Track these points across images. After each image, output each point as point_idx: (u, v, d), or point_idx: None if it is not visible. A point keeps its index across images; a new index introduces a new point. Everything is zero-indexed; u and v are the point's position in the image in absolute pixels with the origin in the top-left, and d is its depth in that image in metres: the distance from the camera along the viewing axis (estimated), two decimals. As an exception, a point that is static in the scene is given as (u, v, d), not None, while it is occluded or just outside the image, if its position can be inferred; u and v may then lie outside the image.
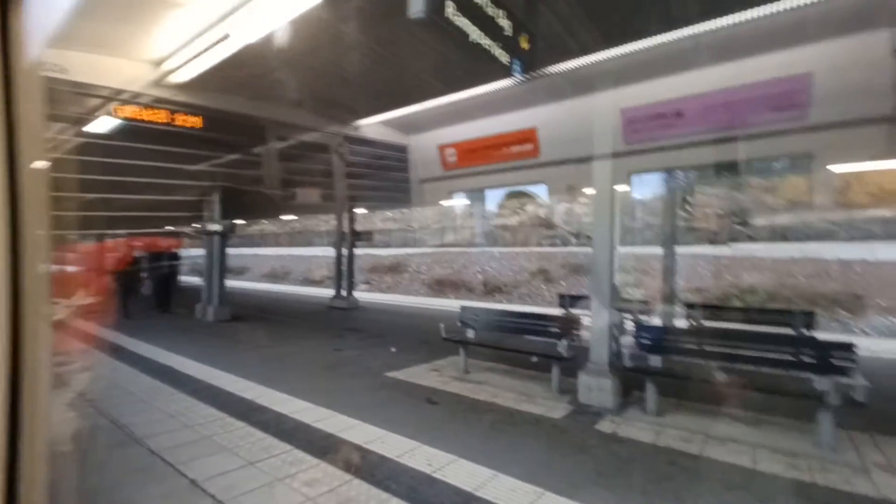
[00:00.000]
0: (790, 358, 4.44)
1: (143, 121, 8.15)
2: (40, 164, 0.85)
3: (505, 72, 3.77)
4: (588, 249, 20.81)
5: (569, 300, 10.29)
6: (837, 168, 8.06)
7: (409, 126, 12.13)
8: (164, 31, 6.76)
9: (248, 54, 6.78)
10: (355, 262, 15.76)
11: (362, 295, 17.76)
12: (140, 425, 4.54)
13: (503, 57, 3.70)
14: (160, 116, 8.31)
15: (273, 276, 30.77)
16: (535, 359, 6.33)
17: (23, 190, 0.78)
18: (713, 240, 20.52)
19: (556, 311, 9.55)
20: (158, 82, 8.03)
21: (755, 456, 3.94)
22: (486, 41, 3.52)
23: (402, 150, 12.96)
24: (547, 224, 26.51)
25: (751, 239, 19.84)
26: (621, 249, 17.68)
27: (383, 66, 7.91)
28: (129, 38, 7.05)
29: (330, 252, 29.63)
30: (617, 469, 3.81)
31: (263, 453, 3.92)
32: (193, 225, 20.89)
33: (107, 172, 9.94)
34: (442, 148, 12.30)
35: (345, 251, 15.98)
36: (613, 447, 4.23)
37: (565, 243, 24.89)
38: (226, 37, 6.13)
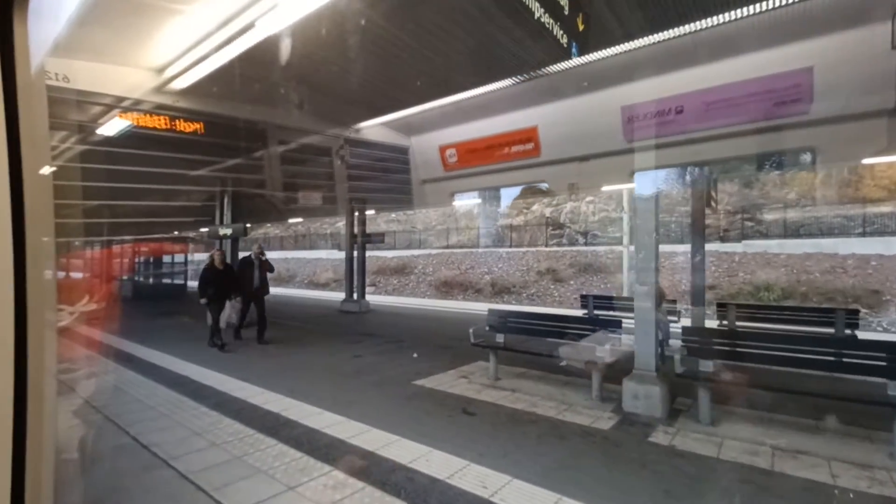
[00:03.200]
0: (856, 361, 3.99)
1: (145, 127, 7.80)
2: (44, 172, 0.83)
3: (563, 53, 3.34)
4: (595, 248, 21.02)
5: (592, 301, 9.62)
6: (846, 162, 7.78)
7: (410, 127, 11.65)
8: (166, 38, 6.40)
9: (248, 59, 6.40)
10: (356, 264, 15.14)
11: (370, 297, 17.06)
12: (166, 445, 4.04)
13: (563, 38, 3.24)
14: (162, 122, 7.95)
15: (278, 280, 29.71)
16: (564, 363, 5.80)
17: (27, 197, 0.75)
18: (723, 236, 19.68)
19: (578, 313, 9.12)
20: (160, 89, 7.65)
21: (832, 470, 3.49)
22: (548, 19, 3.05)
23: (403, 151, 12.46)
24: (554, 223, 25.80)
25: (762, 235, 19.09)
26: (632, 248, 17.32)
27: (386, 67, 7.51)
28: (131, 45, 6.69)
29: (335, 255, 29.38)
30: (687, 489, 3.34)
31: (302, 476, 3.44)
32: (202, 229, 20.19)
33: (110, 179, 9.49)
34: (443, 149, 11.83)
35: (355, 254, 15.08)
36: (676, 462, 3.75)
37: (572, 242, 24.21)
38: (251, 26, 5.60)
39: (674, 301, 8.67)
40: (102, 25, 5.97)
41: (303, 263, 31.27)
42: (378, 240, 16.10)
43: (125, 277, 21.08)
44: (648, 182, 5.25)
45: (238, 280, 8.71)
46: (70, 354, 7.66)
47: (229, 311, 8.31)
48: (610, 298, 10.40)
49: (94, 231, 18.08)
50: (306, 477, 3.41)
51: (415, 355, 7.95)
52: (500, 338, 6.41)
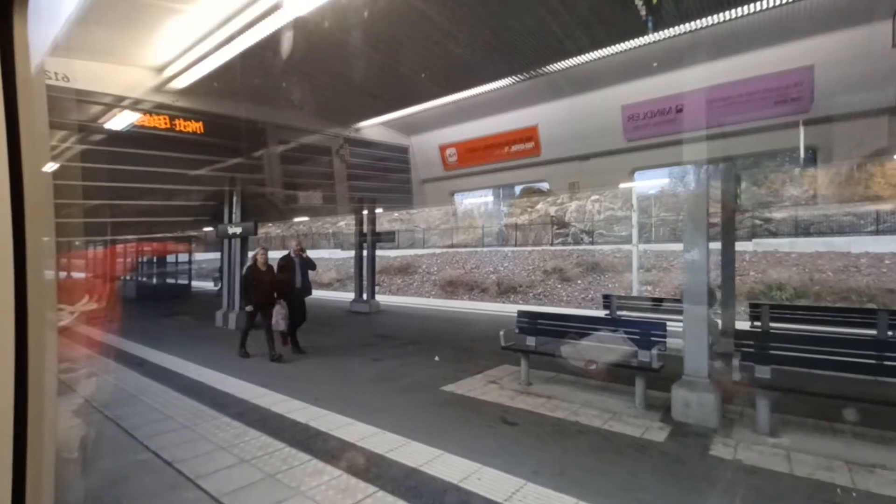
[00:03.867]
0: None
1: (145, 127, 7.81)
2: (44, 171, 0.82)
3: (640, 29, 3.27)
4: (601, 247, 20.81)
5: (615, 302, 9.39)
6: (846, 161, 7.75)
7: (410, 127, 11.65)
8: (165, 37, 6.41)
9: (247, 58, 6.43)
10: (365, 263, 14.98)
11: (377, 297, 17.16)
12: (191, 462, 3.77)
13: (643, 9, 3.20)
14: (162, 122, 7.95)
15: None
16: (593, 366, 5.61)
17: (27, 197, 0.75)
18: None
19: (599, 314, 9.01)
20: (160, 88, 7.66)
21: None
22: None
23: (403, 150, 12.45)
24: (559, 222, 25.63)
25: (771, 234, 18.76)
26: (642, 247, 17.05)
27: (388, 65, 7.49)
28: (131, 44, 6.70)
29: (337, 254, 29.25)
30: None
31: (346, 498, 3.18)
32: (205, 228, 19.94)
33: (110, 179, 9.47)
34: (443, 148, 11.82)
35: (364, 253, 14.80)
36: (752, 482, 3.49)
37: (577, 241, 24.01)
38: (251, 25, 5.62)
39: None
40: (102, 25, 5.97)
41: None
42: (388, 238, 15.87)
43: (128, 277, 20.82)
44: (700, 174, 5.10)
45: (283, 282, 8.04)
46: (77, 357, 7.62)
47: (275, 316, 7.85)
48: (632, 299, 10.30)
49: (96, 231, 18.04)
50: (350, 499, 3.19)
51: (436, 358, 7.63)
52: (530, 341, 6.17)
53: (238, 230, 11.22)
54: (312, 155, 11.33)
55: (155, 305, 15.97)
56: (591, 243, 22.90)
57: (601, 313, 9.40)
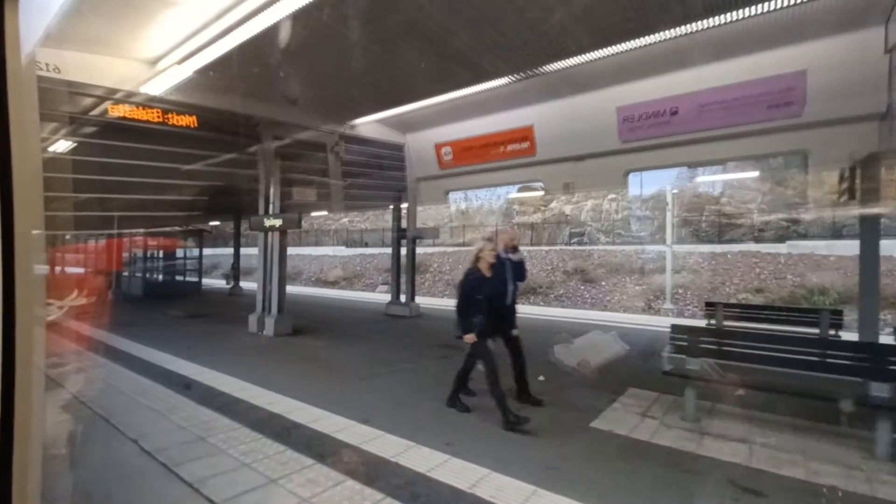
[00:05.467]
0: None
1: (137, 120, 7.69)
2: (34, 163, 0.81)
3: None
4: (623, 248, 20.08)
5: (722, 311, 8.33)
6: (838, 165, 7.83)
7: (406, 125, 11.62)
8: (160, 29, 6.31)
9: (242, 52, 6.36)
10: (371, 261, 14.51)
11: (385, 297, 15.92)
12: None
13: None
14: (154, 115, 7.85)
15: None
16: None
17: (16, 189, 0.74)
18: (757, 237, 18.73)
19: (700, 324, 8.09)
20: (153, 81, 7.51)
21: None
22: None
23: (398, 148, 12.42)
24: (574, 222, 25.25)
25: (801, 235, 18.05)
26: (676, 248, 16.35)
27: (384, 63, 7.46)
28: (124, 36, 6.59)
29: (342, 252, 28.99)
30: None
31: None
32: (212, 223, 18.89)
33: (101, 172, 9.38)
34: (438, 146, 11.81)
35: (403, 250, 13.70)
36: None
37: (594, 241, 23.44)
38: (246, 19, 5.60)
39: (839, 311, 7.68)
40: (95, 16, 5.88)
41: (308, 260, 30.11)
42: (431, 235, 14.92)
43: (135, 274, 19.54)
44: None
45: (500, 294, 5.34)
46: (91, 367, 6.97)
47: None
48: (746, 307, 9.61)
49: (93, 224, 17.78)
50: None
51: (541, 378, 6.25)
52: (693, 363, 4.86)
53: (278, 222, 10.02)
54: (307, 151, 11.27)
55: (167, 305, 14.81)
56: (612, 243, 22.33)
57: (702, 323, 8.50)
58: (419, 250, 24.81)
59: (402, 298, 13.64)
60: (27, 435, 0.76)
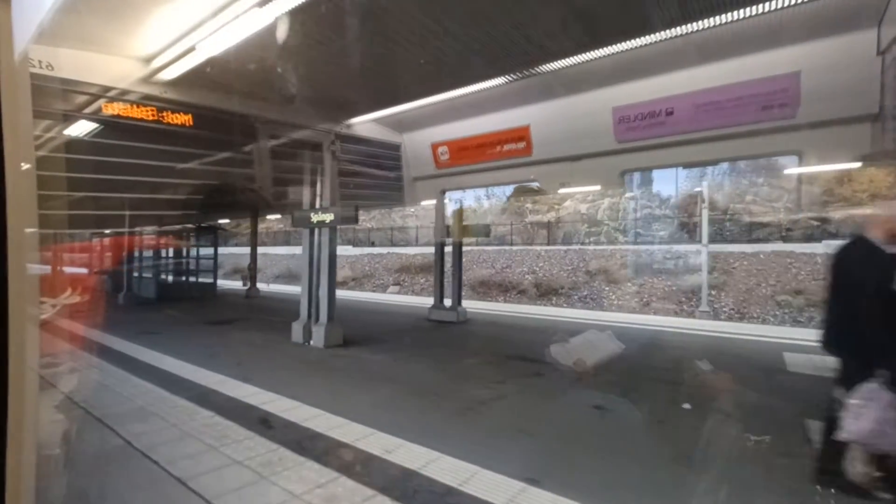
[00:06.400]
0: None
1: (132, 118, 7.61)
2: (27, 161, 0.80)
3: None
4: (647, 247, 19.47)
5: None
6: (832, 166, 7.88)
7: (402, 124, 11.61)
8: (155, 26, 6.26)
9: (238, 50, 6.31)
10: (380, 261, 13.78)
11: (397, 298, 15.07)
12: None
13: None
14: (149, 114, 7.76)
15: (288, 277, 27.57)
16: None
17: (9, 187, 0.73)
18: (785, 236, 18.15)
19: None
20: (148, 79, 7.53)
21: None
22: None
23: (395, 148, 12.40)
24: (590, 221, 24.84)
25: (832, 235, 17.33)
26: (695, 247, 15.80)
27: (380, 62, 7.45)
28: (119, 34, 6.53)
29: (348, 251, 28.41)
30: None
31: None
32: (221, 221, 17.67)
33: (96, 171, 9.30)
34: (435, 146, 11.81)
35: (447, 249, 12.63)
36: None
37: (611, 241, 22.76)
38: (241, 16, 5.49)
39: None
40: (89, 12, 5.83)
41: None
42: (484, 232, 13.84)
43: (146, 275, 18.11)
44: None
45: None
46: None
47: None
48: None
49: (101, 223, 17.48)
50: None
51: (686, 406, 5.41)
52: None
53: (328, 217, 8.68)
54: (303, 150, 11.23)
55: (185, 309, 13.71)
56: (634, 242, 21.79)
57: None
58: (429, 249, 23.72)
59: (446, 302, 12.37)
60: (20, 435, 0.75)
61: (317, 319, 8.93)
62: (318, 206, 9.64)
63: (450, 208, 13.33)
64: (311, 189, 10.22)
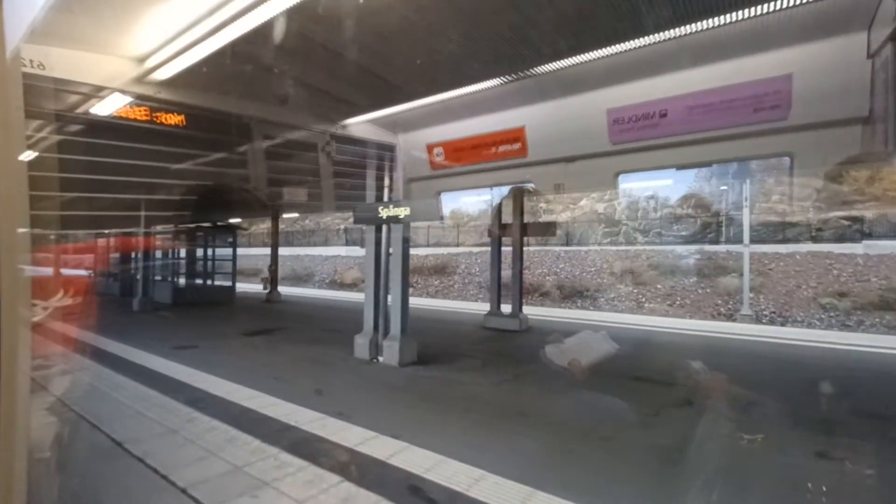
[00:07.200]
0: None
1: (124, 118, 7.59)
2: (19, 161, 0.80)
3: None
4: (676, 248, 18.74)
5: None
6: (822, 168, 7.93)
7: (397, 125, 11.58)
8: (148, 25, 6.21)
9: (233, 50, 6.30)
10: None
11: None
12: None
13: None
14: (142, 114, 7.74)
15: (294, 279, 26.80)
16: None
17: (1, 188, 0.72)
18: (815, 236, 17.64)
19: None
20: (141, 79, 7.44)
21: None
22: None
23: (390, 148, 12.36)
24: (608, 220, 24.33)
25: (864, 235, 16.81)
26: (729, 247, 15.24)
27: (377, 61, 7.43)
28: (112, 33, 6.49)
29: (356, 252, 27.66)
30: None
31: None
32: (233, 220, 16.68)
33: (88, 171, 9.21)
34: (430, 147, 11.78)
35: (506, 249, 11.54)
36: None
37: (630, 241, 22.26)
38: (237, 16, 5.44)
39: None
40: (81, 11, 5.78)
41: (318, 261, 28.48)
42: (549, 232, 12.98)
43: (157, 277, 16.85)
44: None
45: None
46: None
47: None
48: None
49: (102, 223, 17.05)
50: None
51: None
52: None
53: (403, 212, 7.50)
54: (298, 151, 11.19)
55: (208, 316, 12.42)
56: (660, 242, 21.16)
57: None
58: (441, 250, 23.57)
59: (503, 308, 11.18)
60: (11, 437, 0.73)
61: (385, 332, 7.68)
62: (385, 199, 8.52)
63: (447, 208, 13.11)
64: (378, 182, 9.41)
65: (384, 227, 7.86)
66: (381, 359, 7.49)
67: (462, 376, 6.71)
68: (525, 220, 12.05)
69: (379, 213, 7.93)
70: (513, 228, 11.10)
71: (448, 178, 12.20)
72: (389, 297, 7.41)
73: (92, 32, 6.37)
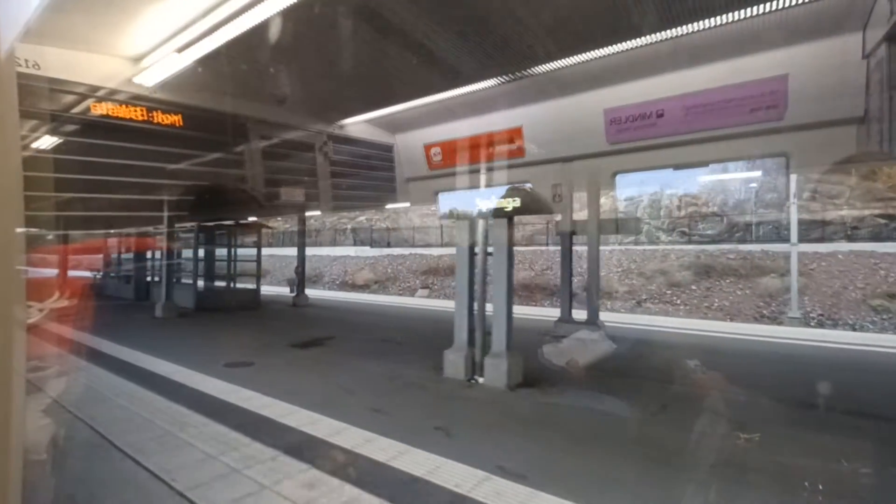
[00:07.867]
0: None
1: (121, 118, 7.54)
2: (14, 162, 0.79)
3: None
4: (707, 247, 17.56)
5: None
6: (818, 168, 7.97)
7: (395, 125, 11.58)
8: (144, 25, 6.21)
9: (229, 51, 6.25)
10: (402, 262, 10.60)
11: (425, 301, 13.96)
12: None
13: None
14: (138, 114, 7.71)
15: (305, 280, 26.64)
16: None
17: None
18: (851, 235, 17.05)
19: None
20: (137, 79, 7.40)
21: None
22: None
23: (387, 148, 12.37)
24: (630, 219, 24.08)
25: None
26: (802, 247, 13.73)
27: (372, 62, 7.42)
28: (107, 33, 6.48)
29: (366, 252, 26.92)
30: None
31: None
32: (244, 219, 15.83)
33: (84, 171, 9.14)
34: (427, 147, 11.79)
35: (579, 249, 10.14)
36: None
37: (652, 241, 21.34)
38: (232, 17, 5.40)
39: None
40: (76, 11, 5.76)
41: (327, 262, 27.23)
42: (634, 230, 12.41)
43: (175, 279, 14.88)
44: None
45: None
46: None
47: None
48: None
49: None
50: None
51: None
52: None
53: (511, 205, 6.27)
54: (295, 151, 11.16)
55: (242, 324, 10.81)
56: (688, 242, 20.30)
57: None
58: (447, 251, 21.36)
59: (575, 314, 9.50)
60: (7, 439, 0.74)
61: (486, 348, 6.15)
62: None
63: (444, 208, 12.85)
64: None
65: (480, 223, 6.38)
66: (480, 379, 6.06)
67: (596, 404, 5.11)
68: (524, 218, 11.50)
69: (479, 205, 6.52)
70: (589, 225, 9.41)
71: (446, 177, 12.20)
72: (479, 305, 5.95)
73: (87, 32, 6.34)
